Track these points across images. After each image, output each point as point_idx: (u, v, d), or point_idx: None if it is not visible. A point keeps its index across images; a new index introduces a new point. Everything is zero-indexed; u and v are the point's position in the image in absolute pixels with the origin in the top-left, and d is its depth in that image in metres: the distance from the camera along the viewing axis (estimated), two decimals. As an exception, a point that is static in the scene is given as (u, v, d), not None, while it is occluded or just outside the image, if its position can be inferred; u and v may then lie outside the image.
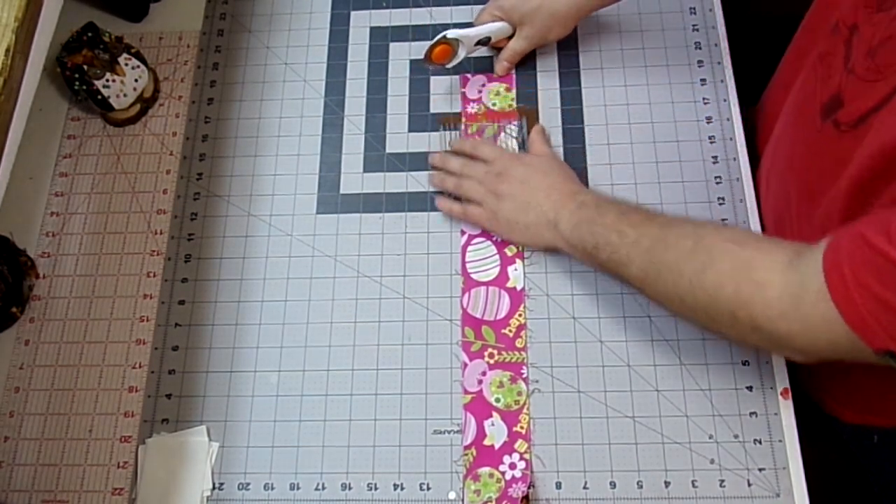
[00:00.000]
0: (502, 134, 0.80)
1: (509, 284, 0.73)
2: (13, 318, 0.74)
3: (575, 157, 0.78)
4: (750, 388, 0.68)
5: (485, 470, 0.67)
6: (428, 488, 0.67)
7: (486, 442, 0.68)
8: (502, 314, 0.72)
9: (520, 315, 0.72)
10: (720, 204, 0.75)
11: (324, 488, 0.67)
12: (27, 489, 0.69)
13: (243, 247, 0.77)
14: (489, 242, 0.75)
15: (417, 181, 0.79)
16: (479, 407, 0.69)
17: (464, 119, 0.81)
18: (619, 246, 0.63)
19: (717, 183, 0.76)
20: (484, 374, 0.70)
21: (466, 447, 0.68)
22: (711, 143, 0.78)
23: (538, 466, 0.67)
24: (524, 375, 0.70)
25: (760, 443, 0.66)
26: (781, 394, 0.68)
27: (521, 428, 0.68)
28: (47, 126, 0.83)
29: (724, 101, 0.80)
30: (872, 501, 0.86)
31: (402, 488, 0.67)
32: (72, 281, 0.76)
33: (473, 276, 0.74)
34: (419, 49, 0.81)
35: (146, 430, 0.70)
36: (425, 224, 0.77)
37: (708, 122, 0.79)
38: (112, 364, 0.73)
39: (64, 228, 0.78)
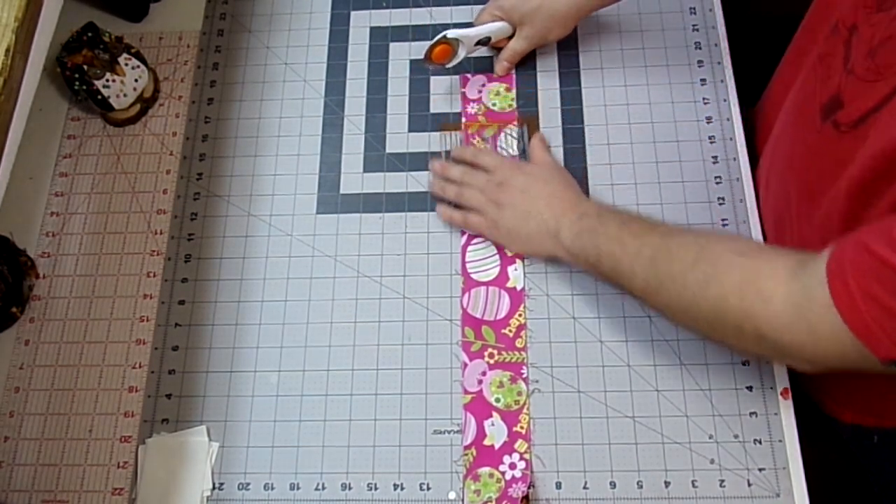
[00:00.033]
0: (502, 134, 0.80)
1: (509, 284, 0.73)
2: (13, 318, 0.74)
3: (575, 157, 0.78)
4: (750, 388, 0.68)
5: (485, 470, 0.67)
6: (428, 488, 0.67)
7: (486, 442, 0.68)
8: (502, 314, 0.72)
9: (520, 315, 0.72)
10: (720, 204, 0.75)
11: (324, 488, 0.67)
12: (27, 489, 0.69)
13: (243, 247, 0.77)
14: (489, 243, 0.75)
15: (417, 181, 0.79)
16: (479, 407, 0.69)
17: (464, 119, 0.81)
18: (621, 256, 0.63)
19: (717, 183, 0.76)
20: (484, 374, 0.70)
21: (466, 447, 0.68)
22: (711, 143, 0.78)
23: (538, 466, 0.67)
24: (524, 375, 0.70)
25: (760, 443, 0.66)
26: (781, 394, 0.68)
27: (521, 428, 0.68)
28: (47, 126, 0.83)
29: (724, 101, 0.80)
30: (872, 501, 0.86)
31: (402, 488, 0.67)
32: (72, 281, 0.76)
33: (473, 276, 0.74)
34: (419, 49, 0.81)
35: (146, 430, 0.70)
36: (425, 224, 0.77)
37: (708, 122, 0.79)
38: (112, 364, 0.73)
39: (64, 228, 0.78)
